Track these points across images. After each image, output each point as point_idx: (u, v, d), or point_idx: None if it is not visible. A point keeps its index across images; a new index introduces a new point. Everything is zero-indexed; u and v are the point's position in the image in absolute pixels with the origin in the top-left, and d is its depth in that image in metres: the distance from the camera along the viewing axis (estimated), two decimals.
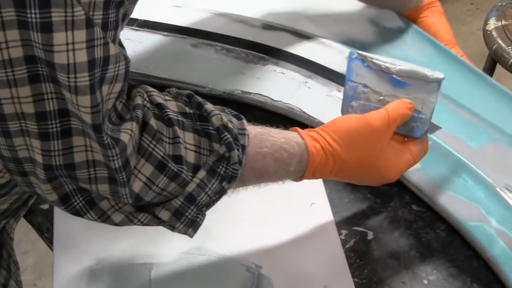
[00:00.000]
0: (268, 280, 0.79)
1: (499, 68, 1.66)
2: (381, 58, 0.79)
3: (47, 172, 0.60)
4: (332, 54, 1.04)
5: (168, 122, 0.65)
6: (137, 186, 0.62)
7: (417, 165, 0.87)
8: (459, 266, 0.82)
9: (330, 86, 1.00)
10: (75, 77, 0.55)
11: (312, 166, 0.74)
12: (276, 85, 1.01)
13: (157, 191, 0.64)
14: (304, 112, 0.97)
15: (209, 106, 0.68)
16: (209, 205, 0.68)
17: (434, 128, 0.88)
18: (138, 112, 0.62)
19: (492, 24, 1.62)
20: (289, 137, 0.74)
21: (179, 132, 0.65)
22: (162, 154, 0.63)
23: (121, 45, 0.61)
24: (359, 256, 0.83)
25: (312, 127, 0.96)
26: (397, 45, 1.04)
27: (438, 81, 0.78)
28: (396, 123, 0.77)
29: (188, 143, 0.65)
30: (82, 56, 0.54)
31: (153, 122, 0.63)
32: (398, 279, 0.80)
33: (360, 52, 0.80)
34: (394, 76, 0.79)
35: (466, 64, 1.00)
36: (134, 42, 1.08)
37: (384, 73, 0.79)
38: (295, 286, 0.79)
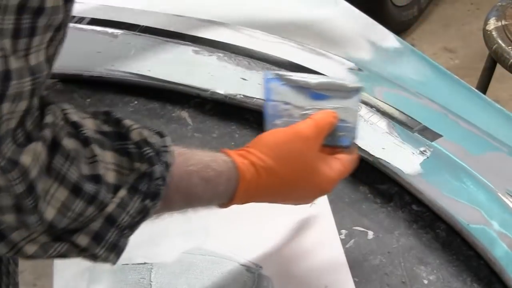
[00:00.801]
0: (268, 280, 0.79)
1: (499, 68, 1.66)
2: (297, 74, 0.79)
3: None
4: (333, 65, 1.05)
5: (85, 142, 0.59)
6: (50, 213, 0.57)
7: (419, 170, 0.88)
8: (459, 266, 0.82)
9: None
10: None
11: (243, 183, 0.70)
12: None
13: (73, 217, 0.58)
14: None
15: (127, 121, 0.63)
16: (131, 226, 0.62)
17: (435, 136, 0.89)
18: (46, 132, 0.56)
19: (492, 24, 1.62)
20: (215, 155, 0.70)
21: (98, 150, 0.60)
22: (77, 176, 0.57)
23: (50, 58, 0.56)
24: (359, 256, 0.83)
25: None
26: (394, 64, 1.06)
27: (357, 90, 0.79)
28: (324, 131, 0.76)
29: (108, 162, 0.60)
30: None
31: (66, 142, 0.58)
32: (398, 279, 0.80)
33: (276, 72, 0.80)
34: (313, 90, 0.79)
35: (461, 83, 1.03)
36: (136, 47, 1.08)
37: (303, 88, 0.79)
38: (295, 286, 0.79)
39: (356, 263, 0.82)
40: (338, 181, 0.77)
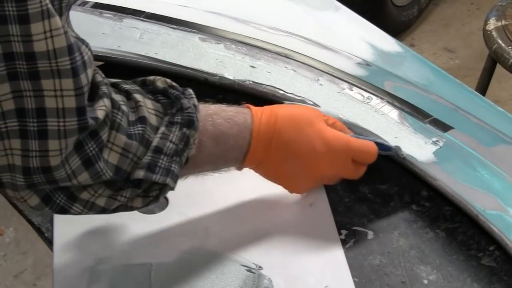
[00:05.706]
0: (268, 280, 0.79)
1: (499, 68, 1.66)
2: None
3: (26, 176, 0.62)
4: (341, 59, 1.05)
5: (127, 94, 0.69)
6: (114, 158, 0.66)
7: (433, 158, 0.90)
8: (459, 266, 0.82)
9: (342, 84, 1.01)
10: (56, 62, 0.58)
11: (256, 118, 0.78)
12: (287, 80, 1.01)
13: (134, 158, 0.67)
14: (317, 105, 0.97)
15: (150, 77, 0.73)
16: (178, 153, 0.70)
17: (446, 127, 0.90)
18: (103, 88, 0.65)
19: (492, 24, 1.62)
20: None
21: (139, 98, 0.69)
22: (127, 122, 0.67)
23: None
24: (359, 256, 0.83)
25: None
26: (395, 67, 1.06)
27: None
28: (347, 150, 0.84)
29: (149, 107, 0.70)
30: (61, 42, 0.59)
31: (114, 96, 0.67)
32: (398, 279, 0.80)
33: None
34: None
35: (463, 86, 1.03)
36: (142, 31, 1.09)
37: None
38: (295, 286, 0.79)
39: (356, 263, 0.82)
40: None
